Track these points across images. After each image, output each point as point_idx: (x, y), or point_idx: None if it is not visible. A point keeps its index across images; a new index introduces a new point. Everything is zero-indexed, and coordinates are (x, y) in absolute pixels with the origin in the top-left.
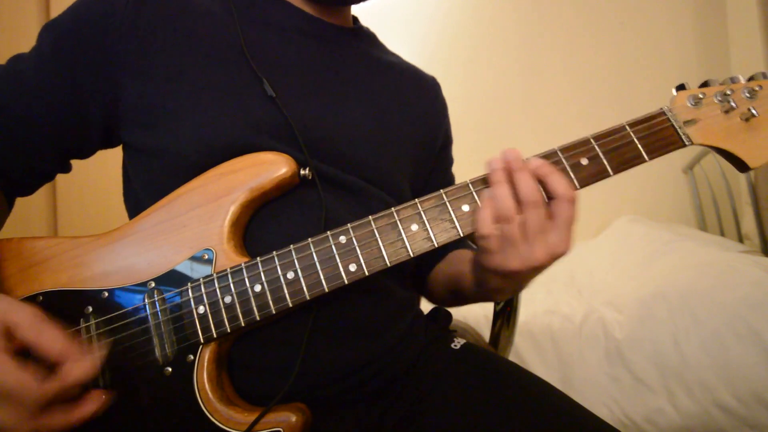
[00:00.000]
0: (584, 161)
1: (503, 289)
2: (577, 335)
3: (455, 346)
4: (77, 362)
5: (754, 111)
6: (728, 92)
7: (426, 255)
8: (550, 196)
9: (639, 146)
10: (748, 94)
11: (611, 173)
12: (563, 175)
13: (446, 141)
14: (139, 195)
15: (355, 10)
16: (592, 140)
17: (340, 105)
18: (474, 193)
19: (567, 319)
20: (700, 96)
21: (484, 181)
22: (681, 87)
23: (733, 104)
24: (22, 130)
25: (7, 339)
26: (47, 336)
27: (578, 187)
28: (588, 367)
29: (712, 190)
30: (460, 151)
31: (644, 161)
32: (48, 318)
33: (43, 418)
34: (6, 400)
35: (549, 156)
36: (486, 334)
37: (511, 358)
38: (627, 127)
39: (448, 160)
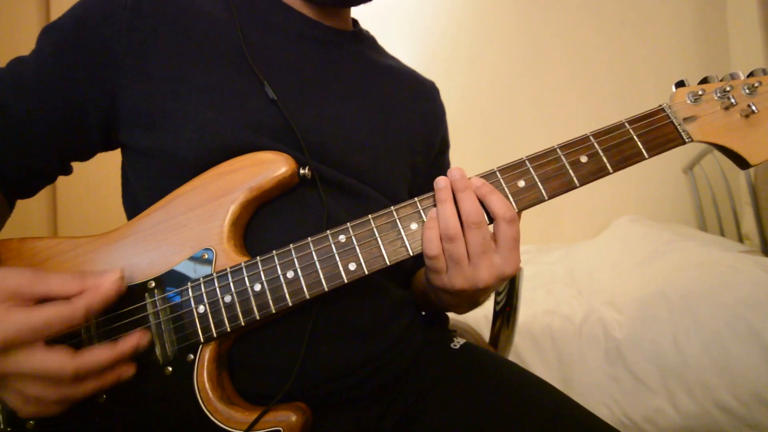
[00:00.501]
0: (584, 159)
1: (458, 305)
2: (577, 335)
3: (455, 345)
4: (101, 276)
5: (753, 107)
6: (728, 88)
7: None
8: (490, 217)
9: (639, 143)
10: (747, 91)
11: (611, 171)
12: (501, 196)
13: (444, 146)
14: (138, 197)
15: (356, 11)
16: (591, 137)
17: (338, 108)
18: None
19: (567, 319)
20: (700, 93)
21: (484, 179)
22: (680, 83)
23: (732, 101)
24: (22, 131)
25: (21, 301)
26: (55, 280)
27: (578, 185)
28: (588, 367)
29: (712, 190)
30: (461, 150)
31: (644, 159)
32: (42, 268)
33: (76, 387)
34: (44, 380)
35: (489, 176)
36: (486, 334)
37: (511, 358)
38: (626, 125)
39: (446, 166)
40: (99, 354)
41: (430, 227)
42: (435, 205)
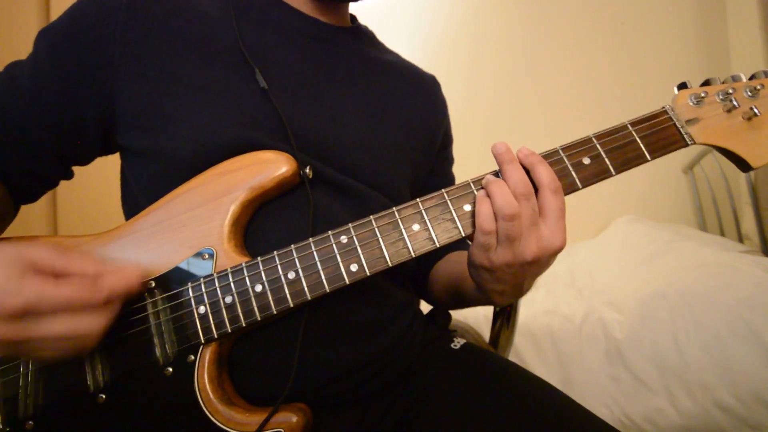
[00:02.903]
0: (586, 161)
1: (503, 292)
2: (577, 335)
3: (455, 346)
4: (116, 272)
5: (756, 110)
6: (730, 91)
7: (425, 256)
8: (535, 187)
9: (641, 146)
10: (749, 93)
11: (613, 173)
12: (548, 166)
13: (446, 141)
14: (138, 198)
15: (355, 8)
16: (594, 139)
17: (337, 106)
18: (475, 192)
19: (567, 319)
20: (702, 95)
21: None
22: (683, 86)
23: (735, 103)
24: (21, 135)
25: (40, 272)
26: (76, 258)
27: (581, 186)
28: (588, 367)
29: (712, 190)
30: (463, 150)
31: (646, 161)
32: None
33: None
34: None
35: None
36: (486, 334)
37: (511, 358)
38: (629, 126)
39: (449, 160)
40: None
41: (483, 203)
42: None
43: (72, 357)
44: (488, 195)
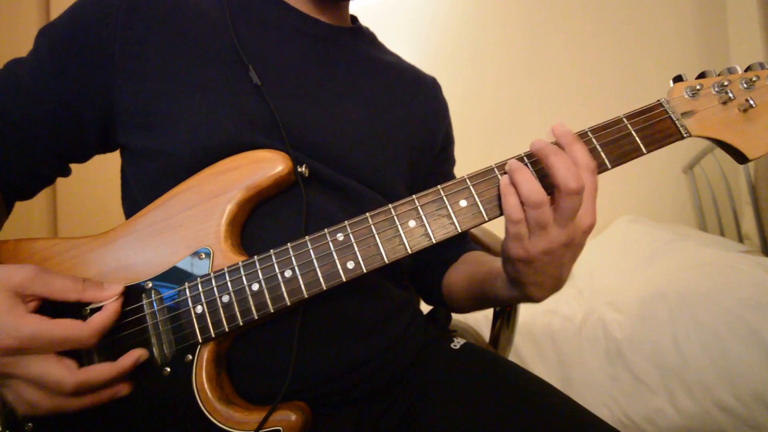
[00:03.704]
0: None
1: (542, 283)
2: (577, 335)
3: (455, 345)
4: (101, 291)
5: (751, 101)
6: (725, 83)
7: (436, 260)
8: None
9: (637, 139)
10: (745, 85)
11: (609, 166)
12: (584, 146)
13: (447, 142)
14: (137, 197)
15: (356, 8)
16: (589, 133)
17: (336, 106)
18: (471, 187)
19: (567, 319)
20: (698, 87)
21: (483, 175)
22: (678, 78)
23: (730, 95)
24: (20, 133)
25: (22, 300)
26: (58, 283)
27: None
28: (588, 367)
29: (712, 190)
30: (464, 149)
31: (642, 154)
32: (46, 267)
33: (71, 400)
34: (42, 388)
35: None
36: (486, 334)
37: (511, 358)
38: (624, 120)
39: (450, 161)
40: (100, 371)
41: (509, 193)
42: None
43: (27, 409)
44: (513, 184)
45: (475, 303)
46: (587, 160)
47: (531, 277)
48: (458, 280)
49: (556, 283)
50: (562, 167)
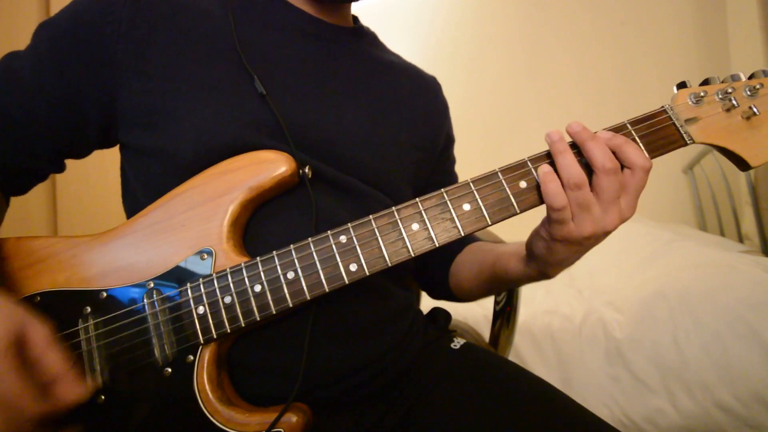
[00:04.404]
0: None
1: (567, 260)
2: (577, 335)
3: (455, 346)
4: (73, 386)
5: (755, 109)
6: (729, 90)
7: (442, 254)
8: (624, 166)
9: (640, 145)
10: (749, 92)
11: None
12: (637, 146)
13: (448, 141)
14: (138, 196)
15: (356, 9)
16: None
17: (339, 105)
18: (475, 191)
19: (567, 319)
20: (702, 94)
21: (486, 179)
22: (682, 85)
23: (734, 102)
24: (18, 129)
25: (19, 348)
26: (52, 355)
27: None
28: (588, 367)
29: (712, 190)
30: (464, 149)
31: None
32: (56, 340)
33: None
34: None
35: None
36: (486, 334)
37: (511, 358)
38: (628, 126)
39: (450, 160)
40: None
41: (550, 180)
42: (549, 161)
43: None
44: (556, 169)
45: (488, 287)
46: (611, 162)
47: (560, 255)
48: (467, 268)
49: (575, 260)
50: (598, 150)
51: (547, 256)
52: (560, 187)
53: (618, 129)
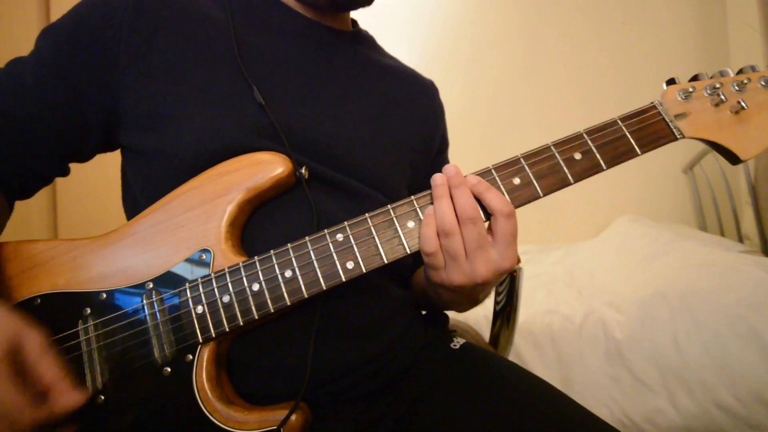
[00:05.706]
0: (577, 156)
1: (458, 302)
2: (577, 335)
3: (455, 345)
4: (68, 393)
5: (743, 103)
6: (717, 85)
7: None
8: (488, 213)
9: (631, 140)
10: (737, 87)
11: (604, 167)
12: (498, 192)
13: (443, 145)
14: (138, 197)
15: (355, 12)
16: (584, 135)
17: (337, 108)
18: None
19: (567, 319)
20: (690, 90)
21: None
22: (671, 81)
23: (722, 97)
24: (22, 134)
25: (14, 356)
26: (47, 363)
27: (572, 181)
28: (588, 367)
29: (712, 190)
30: (461, 150)
31: (637, 155)
32: (52, 346)
33: None
34: None
35: (485, 174)
36: (486, 334)
37: (511, 358)
38: (619, 122)
39: (445, 163)
40: None
41: (427, 224)
42: (432, 203)
43: None
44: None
45: (424, 302)
46: (472, 211)
47: (449, 297)
48: (415, 281)
49: (473, 304)
50: (461, 199)
51: (436, 296)
52: (434, 232)
53: (608, 125)
